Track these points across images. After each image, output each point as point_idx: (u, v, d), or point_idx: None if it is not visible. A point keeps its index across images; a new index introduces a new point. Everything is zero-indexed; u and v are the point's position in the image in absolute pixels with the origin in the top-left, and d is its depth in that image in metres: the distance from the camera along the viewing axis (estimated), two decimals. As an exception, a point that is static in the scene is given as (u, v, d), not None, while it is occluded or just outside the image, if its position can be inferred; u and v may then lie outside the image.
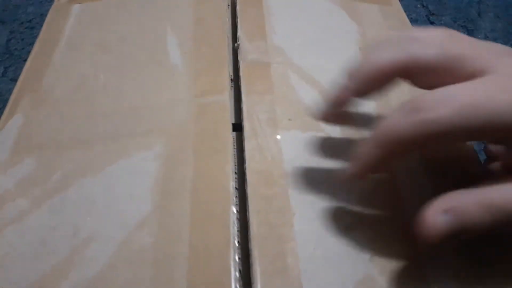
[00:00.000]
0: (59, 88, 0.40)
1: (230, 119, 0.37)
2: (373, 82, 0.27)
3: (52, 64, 0.43)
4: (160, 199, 0.32)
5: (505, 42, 0.59)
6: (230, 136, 0.36)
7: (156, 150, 0.35)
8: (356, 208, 0.31)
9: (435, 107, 0.24)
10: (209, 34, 0.45)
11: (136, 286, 0.28)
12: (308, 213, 0.32)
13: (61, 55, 0.44)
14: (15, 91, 0.41)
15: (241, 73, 0.39)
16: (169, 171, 0.34)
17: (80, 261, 0.29)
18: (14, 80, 0.43)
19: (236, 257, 0.29)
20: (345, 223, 0.31)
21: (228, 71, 0.40)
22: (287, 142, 0.34)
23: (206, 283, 0.28)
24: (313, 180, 0.34)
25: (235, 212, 0.31)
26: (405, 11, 0.53)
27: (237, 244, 0.30)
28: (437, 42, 0.25)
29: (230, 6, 0.48)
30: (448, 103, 0.24)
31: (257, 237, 0.31)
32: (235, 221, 0.31)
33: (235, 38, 0.44)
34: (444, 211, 0.24)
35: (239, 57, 0.41)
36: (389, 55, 0.26)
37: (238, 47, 0.42)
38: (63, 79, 0.41)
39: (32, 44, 0.47)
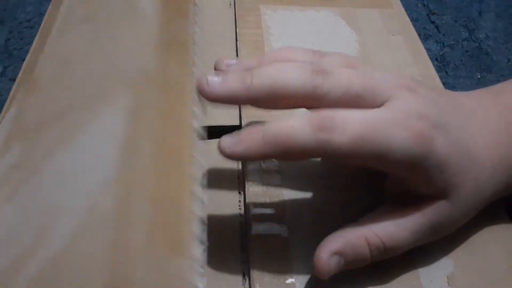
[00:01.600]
0: (47, 74, 0.40)
1: (191, 43, 0.35)
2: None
3: (43, 54, 0.42)
4: (124, 156, 0.30)
5: (506, 42, 0.59)
6: (190, 66, 0.34)
7: (120, 104, 0.33)
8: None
9: (332, 130, 0.25)
10: None
11: (97, 254, 0.26)
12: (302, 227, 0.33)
13: (53, 42, 0.43)
14: (13, 88, 0.41)
15: None
16: (136, 121, 0.32)
17: (47, 238, 0.28)
18: (13, 79, 0.43)
19: (196, 206, 0.28)
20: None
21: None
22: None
23: (166, 235, 0.27)
24: (305, 178, 0.34)
25: (196, 153, 0.30)
26: (405, 10, 0.53)
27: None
28: (344, 79, 0.27)
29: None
30: (343, 129, 0.26)
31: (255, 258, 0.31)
32: (197, 162, 0.29)
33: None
34: (333, 252, 0.27)
35: None
36: (297, 83, 0.27)
37: None
38: (51, 63, 0.41)
39: (31, 43, 0.46)
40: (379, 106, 0.27)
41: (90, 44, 0.41)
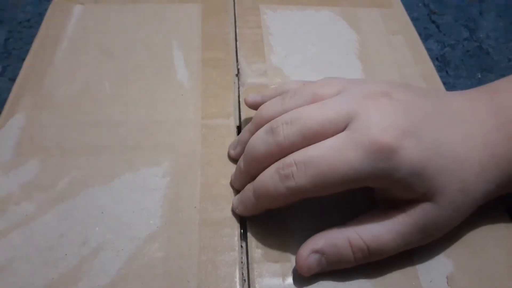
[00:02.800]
0: (61, 91, 0.40)
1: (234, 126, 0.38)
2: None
3: (53, 65, 0.43)
4: (169, 216, 0.32)
5: (507, 41, 0.59)
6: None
7: (164, 167, 0.35)
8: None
9: (296, 175, 0.28)
10: (216, 54, 0.45)
11: None
12: (301, 224, 0.33)
13: (64, 56, 0.44)
14: (14, 89, 0.40)
15: (241, 98, 0.39)
16: (177, 189, 0.34)
17: (89, 270, 0.29)
18: (13, 79, 0.43)
19: (248, 279, 0.30)
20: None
21: (233, 95, 0.41)
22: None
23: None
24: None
25: (241, 234, 0.33)
26: (406, 10, 0.53)
27: (242, 263, 0.31)
28: (301, 121, 0.30)
29: (233, 25, 0.48)
30: (305, 171, 0.28)
31: (256, 255, 0.31)
32: (241, 243, 0.32)
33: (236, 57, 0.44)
34: (314, 251, 0.29)
35: (239, 82, 0.41)
36: (262, 149, 0.31)
37: (238, 72, 0.42)
38: (66, 82, 0.41)
39: (30, 43, 0.46)
40: (344, 129, 0.29)
41: (115, 83, 0.42)
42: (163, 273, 0.30)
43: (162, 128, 0.38)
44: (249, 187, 0.32)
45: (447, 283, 0.30)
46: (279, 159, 0.30)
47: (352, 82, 0.32)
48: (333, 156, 0.27)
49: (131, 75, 0.42)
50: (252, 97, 0.37)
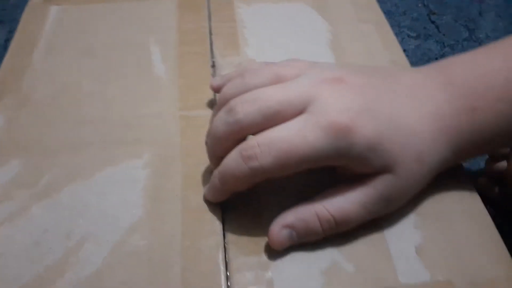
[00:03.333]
0: (41, 91, 0.41)
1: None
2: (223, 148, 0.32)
3: (31, 66, 0.43)
4: (151, 206, 0.33)
5: (507, 41, 0.58)
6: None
7: (144, 159, 0.36)
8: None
9: (259, 156, 0.29)
10: (192, 48, 0.46)
11: (133, 285, 0.29)
12: (275, 204, 0.33)
13: (41, 57, 0.44)
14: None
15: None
16: (158, 180, 0.34)
17: (75, 261, 0.30)
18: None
19: (226, 259, 0.31)
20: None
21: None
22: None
23: (199, 282, 0.30)
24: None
25: (223, 218, 0.33)
26: (406, 10, 0.53)
27: (225, 247, 0.31)
28: (259, 102, 0.30)
29: (208, 19, 0.49)
30: (269, 151, 0.29)
31: (232, 236, 0.32)
32: (224, 226, 0.32)
33: (212, 52, 0.45)
34: (284, 226, 0.30)
35: (215, 74, 0.42)
36: (223, 128, 0.31)
37: (213, 65, 0.43)
38: (45, 82, 0.42)
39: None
40: (302, 112, 0.30)
41: (94, 82, 0.42)
42: (147, 260, 0.30)
43: (142, 122, 0.39)
44: (215, 173, 0.32)
45: (416, 252, 0.30)
46: (241, 139, 0.31)
47: (312, 65, 0.34)
48: (294, 137, 0.29)
49: (109, 73, 0.43)
50: (216, 81, 0.39)
